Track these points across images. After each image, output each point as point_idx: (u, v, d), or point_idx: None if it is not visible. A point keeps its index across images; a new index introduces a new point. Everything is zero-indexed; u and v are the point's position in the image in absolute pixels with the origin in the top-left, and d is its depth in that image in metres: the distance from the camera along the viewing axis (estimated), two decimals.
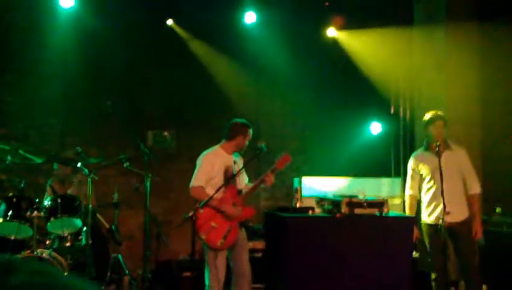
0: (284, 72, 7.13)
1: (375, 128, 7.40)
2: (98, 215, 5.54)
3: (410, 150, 6.55)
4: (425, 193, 4.85)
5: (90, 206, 4.85)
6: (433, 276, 4.74)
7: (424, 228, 4.86)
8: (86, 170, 4.98)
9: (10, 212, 4.63)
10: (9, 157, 4.75)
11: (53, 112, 6.70)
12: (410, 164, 5.01)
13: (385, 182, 6.33)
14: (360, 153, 7.00)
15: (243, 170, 4.76)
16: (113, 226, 5.36)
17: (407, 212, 4.97)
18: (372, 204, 4.82)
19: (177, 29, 7.00)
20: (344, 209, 4.74)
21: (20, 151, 4.82)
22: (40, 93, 6.66)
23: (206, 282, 4.52)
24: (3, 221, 4.64)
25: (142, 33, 6.87)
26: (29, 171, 5.92)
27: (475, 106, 6.22)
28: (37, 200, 4.80)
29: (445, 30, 6.28)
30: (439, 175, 4.51)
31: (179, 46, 6.98)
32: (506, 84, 5.85)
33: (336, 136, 7.18)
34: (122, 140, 6.40)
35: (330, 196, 5.14)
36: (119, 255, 5.48)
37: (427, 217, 4.81)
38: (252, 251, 5.43)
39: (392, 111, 7.34)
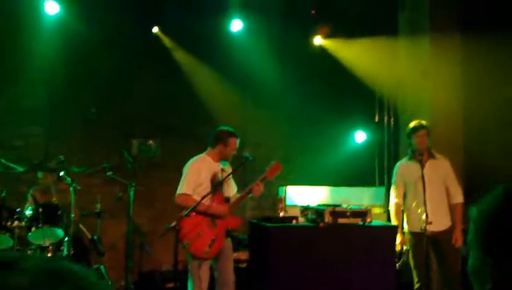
0: (270, 80, 7.13)
1: (360, 136, 7.44)
2: (80, 225, 5.49)
3: (394, 158, 6.60)
4: (409, 202, 4.87)
5: (72, 215, 4.81)
6: (416, 286, 4.75)
7: (407, 237, 4.88)
8: (69, 179, 4.94)
9: None
10: None
11: (37, 119, 6.64)
12: (395, 173, 5.04)
13: (369, 191, 6.36)
14: (345, 161, 7.01)
15: (232, 179, 4.75)
16: (95, 237, 5.31)
17: (393, 222, 4.99)
18: (355, 213, 4.85)
19: (163, 37, 6.99)
20: (327, 218, 4.76)
21: (2, 160, 4.77)
22: (24, 101, 6.60)
23: None
24: None
25: (128, 40, 6.84)
26: (10, 180, 5.84)
27: (458, 114, 6.29)
28: (18, 209, 4.75)
29: (429, 40, 6.35)
30: (421, 184, 4.53)
31: (164, 54, 6.96)
32: (487, 93, 5.92)
33: (320, 145, 7.19)
34: (106, 148, 6.35)
35: (314, 205, 5.15)
36: (102, 266, 5.43)
37: (410, 226, 4.83)
38: (237, 261, 5.41)
39: (376, 119, 7.39)
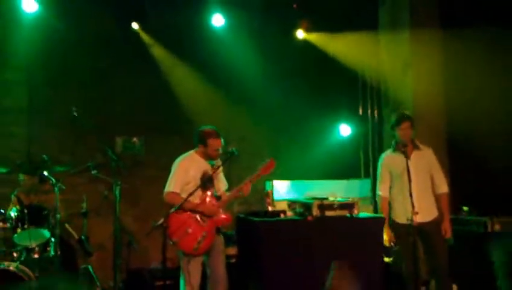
0: (253, 75, 7.12)
1: (345, 130, 7.49)
2: (66, 225, 5.42)
3: (379, 150, 6.66)
4: (395, 194, 4.90)
5: (58, 216, 4.75)
6: (404, 276, 4.80)
7: (394, 229, 4.91)
8: (53, 179, 4.87)
9: None
10: None
11: (18, 119, 6.53)
12: (380, 165, 5.07)
13: (355, 183, 6.40)
14: (330, 155, 7.06)
15: (222, 176, 4.74)
16: (82, 237, 5.26)
17: (380, 213, 5.02)
18: (342, 206, 4.89)
19: (143, 33, 6.92)
20: (315, 211, 4.79)
21: None
22: (4, 101, 6.48)
23: (181, 289, 4.48)
24: None
25: (109, 37, 6.76)
26: None
27: (440, 105, 6.37)
28: (2, 211, 4.67)
29: (409, 34, 6.43)
30: (407, 175, 4.57)
31: (146, 51, 6.90)
32: (469, 83, 6.02)
33: (306, 139, 7.22)
34: (90, 147, 6.27)
35: (301, 198, 5.17)
36: (89, 266, 5.37)
37: (397, 217, 4.86)
38: (227, 257, 5.39)
39: (360, 112, 7.44)
